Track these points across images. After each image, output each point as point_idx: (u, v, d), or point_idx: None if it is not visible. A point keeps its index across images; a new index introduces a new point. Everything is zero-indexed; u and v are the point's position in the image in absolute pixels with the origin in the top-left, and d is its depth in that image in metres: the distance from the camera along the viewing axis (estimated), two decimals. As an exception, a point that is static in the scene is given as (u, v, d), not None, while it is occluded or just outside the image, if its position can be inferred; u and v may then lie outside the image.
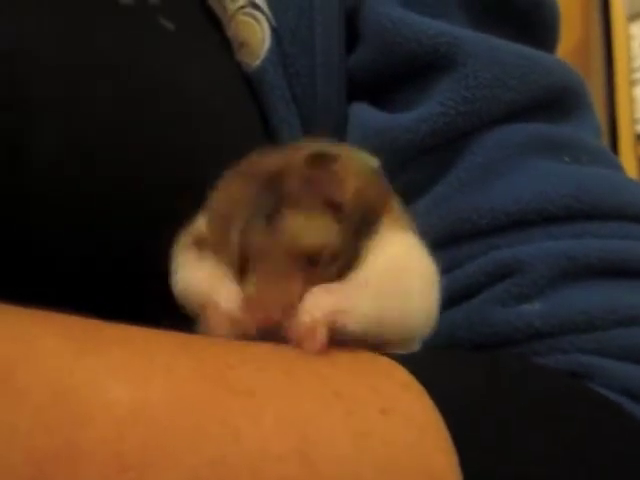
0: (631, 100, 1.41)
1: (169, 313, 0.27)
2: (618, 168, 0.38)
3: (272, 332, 0.24)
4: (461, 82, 0.34)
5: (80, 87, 0.30)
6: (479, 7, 0.38)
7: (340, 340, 0.25)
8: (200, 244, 0.27)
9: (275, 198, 0.25)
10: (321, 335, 0.23)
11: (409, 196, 0.34)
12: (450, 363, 0.28)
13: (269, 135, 0.35)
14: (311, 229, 0.25)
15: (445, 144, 0.35)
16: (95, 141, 0.30)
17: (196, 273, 0.27)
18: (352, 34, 0.37)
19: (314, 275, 0.24)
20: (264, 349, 0.23)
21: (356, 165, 0.27)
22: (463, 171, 0.35)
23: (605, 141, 1.40)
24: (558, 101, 0.38)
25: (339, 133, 0.37)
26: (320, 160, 0.25)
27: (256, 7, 0.36)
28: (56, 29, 0.30)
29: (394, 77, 0.37)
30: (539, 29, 0.40)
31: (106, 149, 0.30)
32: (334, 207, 0.25)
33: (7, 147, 0.28)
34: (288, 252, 0.24)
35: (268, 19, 0.35)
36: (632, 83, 1.41)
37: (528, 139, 0.36)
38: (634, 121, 1.41)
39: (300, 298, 0.24)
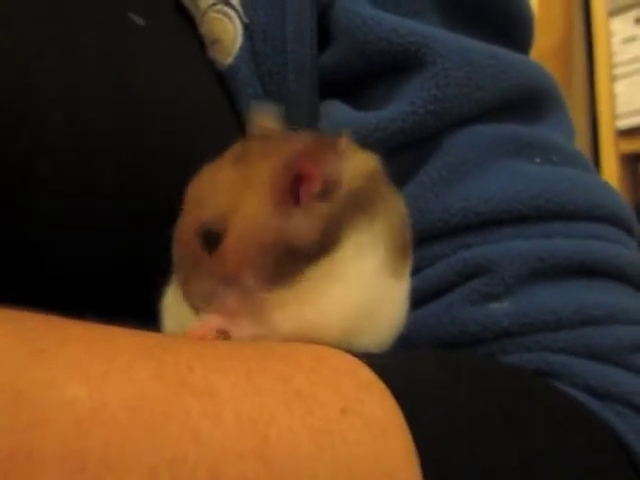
0: (612, 96, 1.42)
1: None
2: (590, 170, 0.39)
3: None
4: (431, 81, 0.34)
5: (61, 87, 0.30)
6: (452, 8, 0.38)
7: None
8: None
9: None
10: None
11: None
12: (415, 363, 0.28)
13: (242, 133, 0.35)
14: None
15: (416, 143, 0.35)
16: (80, 145, 0.30)
17: None
18: (324, 32, 0.37)
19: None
20: (225, 350, 0.24)
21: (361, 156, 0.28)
22: (434, 170, 0.35)
23: (586, 137, 1.41)
24: (530, 102, 0.38)
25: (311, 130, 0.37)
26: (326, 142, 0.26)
27: (228, 4, 0.35)
28: (38, 25, 0.30)
29: (365, 75, 0.37)
30: (513, 30, 0.40)
31: (90, 153, 0.30)
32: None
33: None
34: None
35: (240, 16, 0.35)
36: (613, 79, 1.42)
37: (499, 139, 0.36)
38: (615, 117, 1.42)
39: None
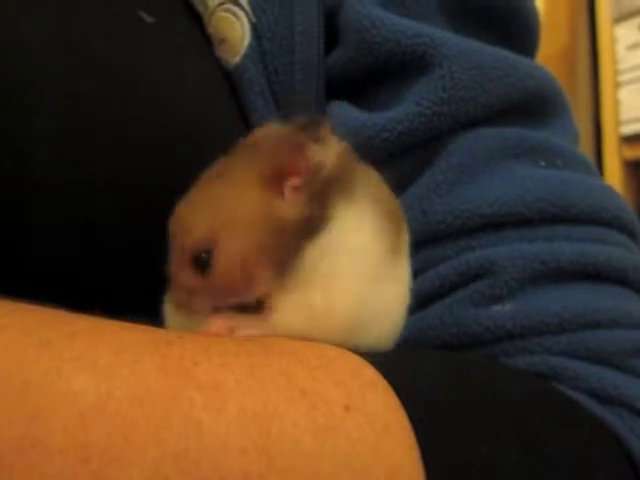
0: (616, 102, 1.42)
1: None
2: (594, 173, 0.39)
3: None
4: (438, 83, 0.35)
5: (65, 83, 0.30)
6: (459, 11, 0.38)
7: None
8: None
9: None
10: None
11: None
12: (418, 362, 0.28)
13: (248, 132, 0.36)
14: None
15: (421, 144, 0.35)
16: (82, 140, 0.30)
17: None
18: (331, 33, 0.38)
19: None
20: (230, 346, 0.24)
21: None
22: (439, 172, 0.35)
23: (590, 143, 1.41)
24: (535, 105, 0.38)
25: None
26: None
27: (236, 3, 0.36)
28: (42, 20, 0.30)
29: (372, 76, 0.37)
30: (519, 34, 0.40)
31: (92, 148, 0.30)
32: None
33: (9, 151, 0.28)
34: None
35: (248, 16, 0.36)
36: (617, 85, 1.42)
37: (504, 142, 0.36)
38: (619, 123, 1.42)
39: None
